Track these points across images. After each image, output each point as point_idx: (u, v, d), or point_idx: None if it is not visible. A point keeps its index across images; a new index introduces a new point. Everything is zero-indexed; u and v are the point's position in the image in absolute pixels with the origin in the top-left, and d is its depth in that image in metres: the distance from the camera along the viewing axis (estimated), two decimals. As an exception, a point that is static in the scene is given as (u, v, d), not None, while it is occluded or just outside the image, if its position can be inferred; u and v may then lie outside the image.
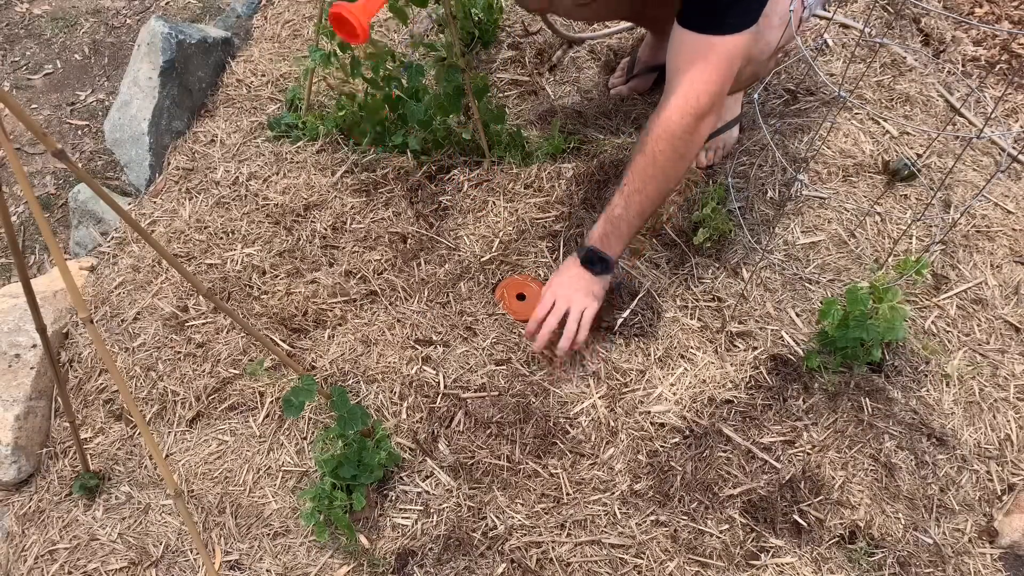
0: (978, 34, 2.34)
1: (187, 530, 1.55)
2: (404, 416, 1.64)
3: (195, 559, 1.53)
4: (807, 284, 1.80)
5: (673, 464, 1.57)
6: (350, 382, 1.68)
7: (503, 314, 1.76)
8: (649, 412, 1.63)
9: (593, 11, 1.88)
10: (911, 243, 1.87)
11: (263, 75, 2.28)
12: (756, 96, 1.79)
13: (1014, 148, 2.06)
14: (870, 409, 1.63)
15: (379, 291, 1.79)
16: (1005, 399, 1.67)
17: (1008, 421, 1.64)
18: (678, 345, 1.72)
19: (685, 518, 1.52)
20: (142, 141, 2.09)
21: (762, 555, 1.49)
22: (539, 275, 1.82)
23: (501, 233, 1.87)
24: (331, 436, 1.52)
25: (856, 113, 2.10)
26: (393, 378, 1.68)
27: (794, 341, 1.71)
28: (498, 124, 1.99)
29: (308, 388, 1.34)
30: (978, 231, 1.91)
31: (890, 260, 1.82)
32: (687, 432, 1.61)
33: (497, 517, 1.52)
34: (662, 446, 1.60)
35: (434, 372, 1.69)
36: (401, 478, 1.58)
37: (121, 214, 1.13)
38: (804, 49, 1.55)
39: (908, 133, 2.07)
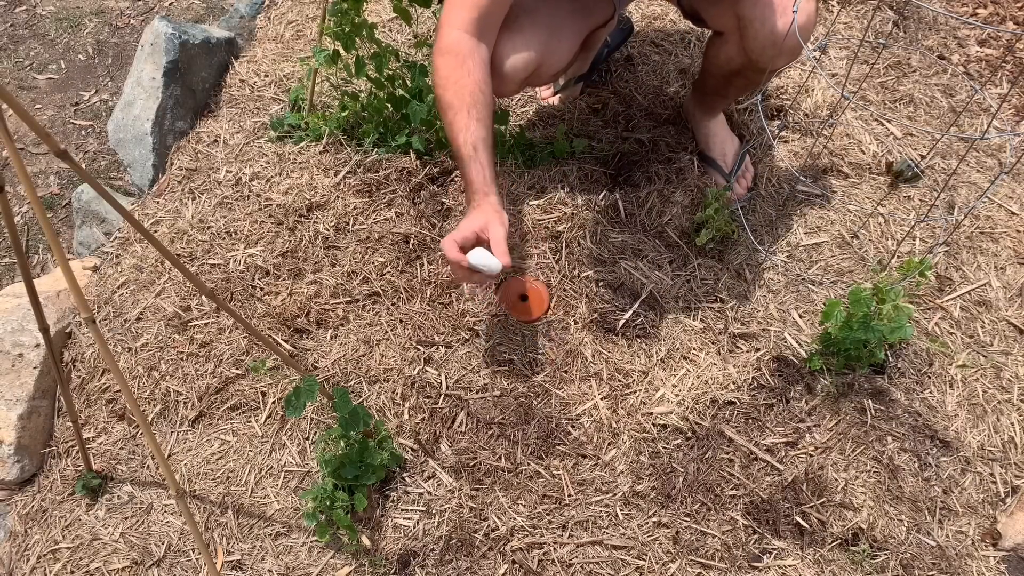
0: (981, 34, 2.34)
1: (189, 530, 1.55)
2: (406, 417, 1.64)
3: (197, 559, 1.54)
4: (810, 285, 1.80)
5: (675, 465, 1.57)
6: (352, 383, 1.68)
7: (505, 315, 1.76)
8: (651, 413, 1.63)
9: (566, 69, 1.88)
10: (914, 244, 1.87)
11: (266, 75, 2.28)
12: (758, 97, 1.79)
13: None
14: (873, 411, 1.62)
15: (381, 292, 1.79)
16: (1009, 401, 1.66)
17: (1012, 423, 1.64)
18: (680, 346, 1.72)
19: (687, 519, 1.52)
20: (145, 141, 2.09)
21: (764, 557, 1.48)
22: (541, 277, 1.81)
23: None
24: (333, 436, 1.52)
25: (859, 114, 2.09)
26: (395, 379, 1.68)
27: (797, 343, 1.71)
28: (501, 125, 1.99)
29: (310, 389, 1.34)
30: (982, 232, 1.90)
31: (893, 261, 1.82)
32: (689, 433, 1.61)
33: (499, 518, 1.52)
34: (664, 447, 1.59)
35: (436, 373, 1.69)
36: (403, 479, 1.58)
37: (124, 214, 1.13)
38: (808, 50, 1.55)
39: (912, 134, 2.07)
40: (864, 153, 2.02)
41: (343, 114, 2.05)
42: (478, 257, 1.37)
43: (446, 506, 1.54)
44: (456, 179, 1.97)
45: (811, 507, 1.52)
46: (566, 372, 1.69)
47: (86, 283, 1.90)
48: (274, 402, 1.68)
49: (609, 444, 1.60)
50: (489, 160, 1.45)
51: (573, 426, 1.62)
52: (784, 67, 1.64)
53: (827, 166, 1.99)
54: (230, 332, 1.76)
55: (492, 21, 1.49)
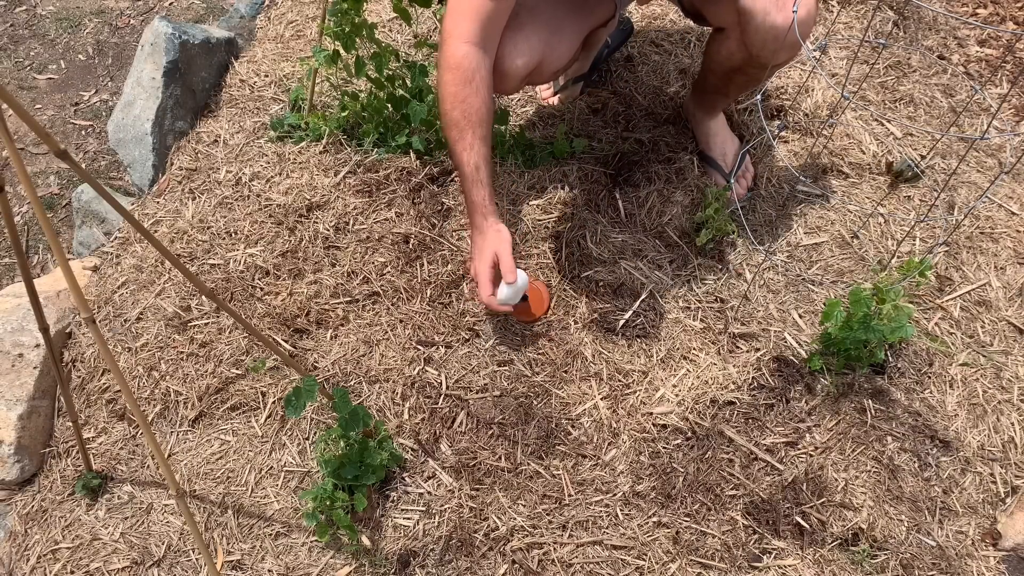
0: (981, 34, 2.34)
1: (189, 530, 1.55)
2: (406, 417, 1.64)
3: (197, 559, 1.54)
4: (810, 285, 1.80)
5: (675, 465, 1.57)
6: (352, 383, 1.68)
7: (505, 315, 1.76)
8: (651, 413, 1.63)
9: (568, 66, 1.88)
10: (914, 244, 1.87)
11: (266, 75, 2.28)
12: (758, 97, 1.79)
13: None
14: (873, 411, 1.62)
15: (381, 292, 1.79)
16: (1008, 401, 1.66)
17: (1012, 423, 1.64)
18: (680, 346, 1.72)
19: (687, 519, 1.52)
20: (145, 141, 2.09)
21: (764, 557, 1.48)
22: (541, 276, 1.81)
23: (503, 234, 1.87)
24: (333, 436, 1.52)
25: (859, 114, 2.09)
26: (395, 379, 1.68)
27: (797, 342, 1.71)
28: (501, 125, 1.99)
29: (310, 389, 1.34)
30: (982, 232, 1.90)
31: (893, 261, 1.82)
32: (689, 433, 1.61)
33: (499, 518, 1.52)
34: (664, 447, 1.59)
35: (436, 373, 1.69)
36: (403, 479, 1.58)
37: (124, 214, 1.13)
38: (808, 50, 1.55)
39: (912, 134, 2.07)
40: (864, 153, 2.01)
41: (343, 114, 2.06)
42: (507, 295, 1.58)
43: (446, 506, 1.54)
44: (456, 179, 1.97)
45: (811, 507, 1.52)
46: (566, 372, 1.69)
47: (86, 283, 1.90)
48: (274, 402, 1.68)
49: (609, 444, 1.60)
50: (490, 178, 1.56)
51: (573, 426, 1.63)
52: (785, 63, 1.64)
53: (827, 166, 1.99)
54: (230, 332, 1.76)
55: (495, 28, 1.50)
